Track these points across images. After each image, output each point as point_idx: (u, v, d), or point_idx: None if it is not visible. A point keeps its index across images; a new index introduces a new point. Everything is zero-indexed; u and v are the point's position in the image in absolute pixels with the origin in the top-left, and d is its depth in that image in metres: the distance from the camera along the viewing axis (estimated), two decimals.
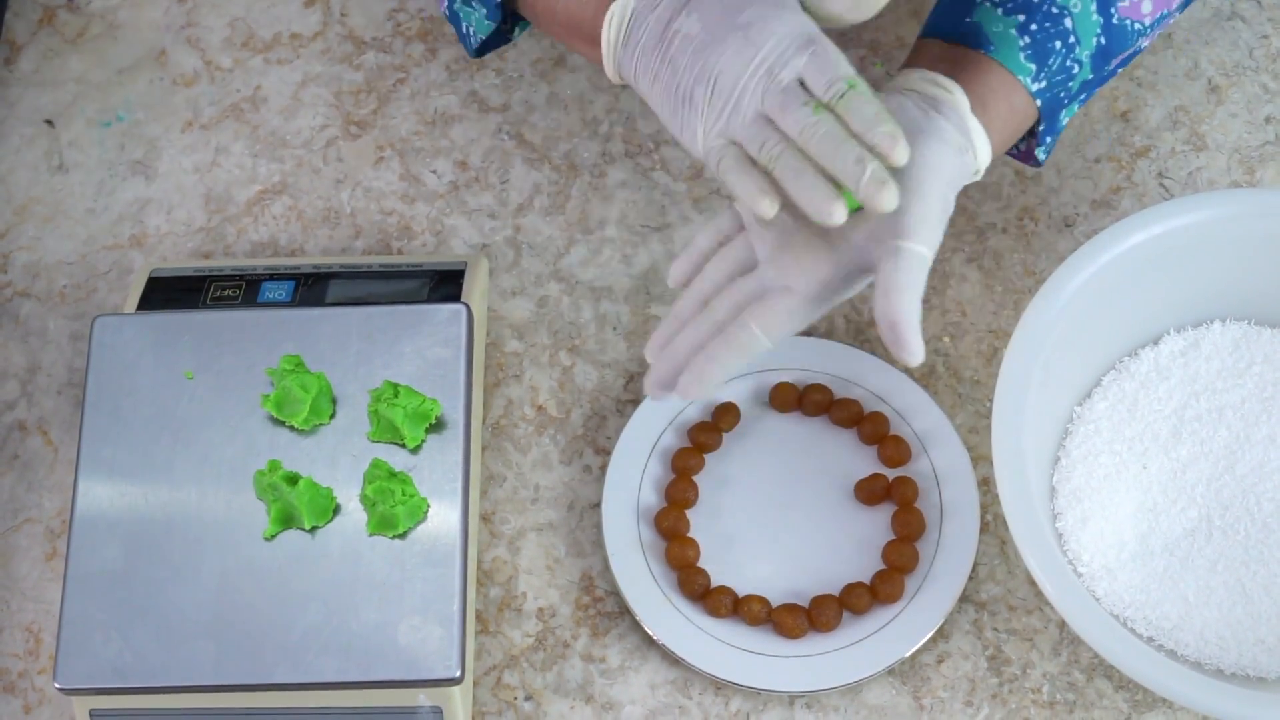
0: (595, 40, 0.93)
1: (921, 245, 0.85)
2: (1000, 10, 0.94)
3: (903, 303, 0.84)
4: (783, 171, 0.86)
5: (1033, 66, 0.93)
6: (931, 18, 0.98)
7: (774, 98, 0.86)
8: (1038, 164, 0.99)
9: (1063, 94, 0.95)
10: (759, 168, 0.86)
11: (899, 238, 0.85)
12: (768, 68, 0.87)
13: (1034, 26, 0.93)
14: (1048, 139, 0.98)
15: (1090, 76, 0.96)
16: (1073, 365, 1.01)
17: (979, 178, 0.93)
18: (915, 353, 0.84)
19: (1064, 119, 0.98)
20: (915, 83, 0.93)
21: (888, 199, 0.83)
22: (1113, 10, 0.94)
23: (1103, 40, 0.95)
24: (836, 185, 0.84)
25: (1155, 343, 1.04)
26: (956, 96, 0.91)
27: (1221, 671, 0.96)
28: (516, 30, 1.03)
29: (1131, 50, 0.97)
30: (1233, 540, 0.98)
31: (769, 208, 0.86)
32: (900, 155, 0.84)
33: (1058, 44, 0.94)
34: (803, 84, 0.86)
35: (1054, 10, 0.93)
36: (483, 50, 1.04)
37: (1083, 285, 0.97)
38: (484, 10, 0.99)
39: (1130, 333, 1.04)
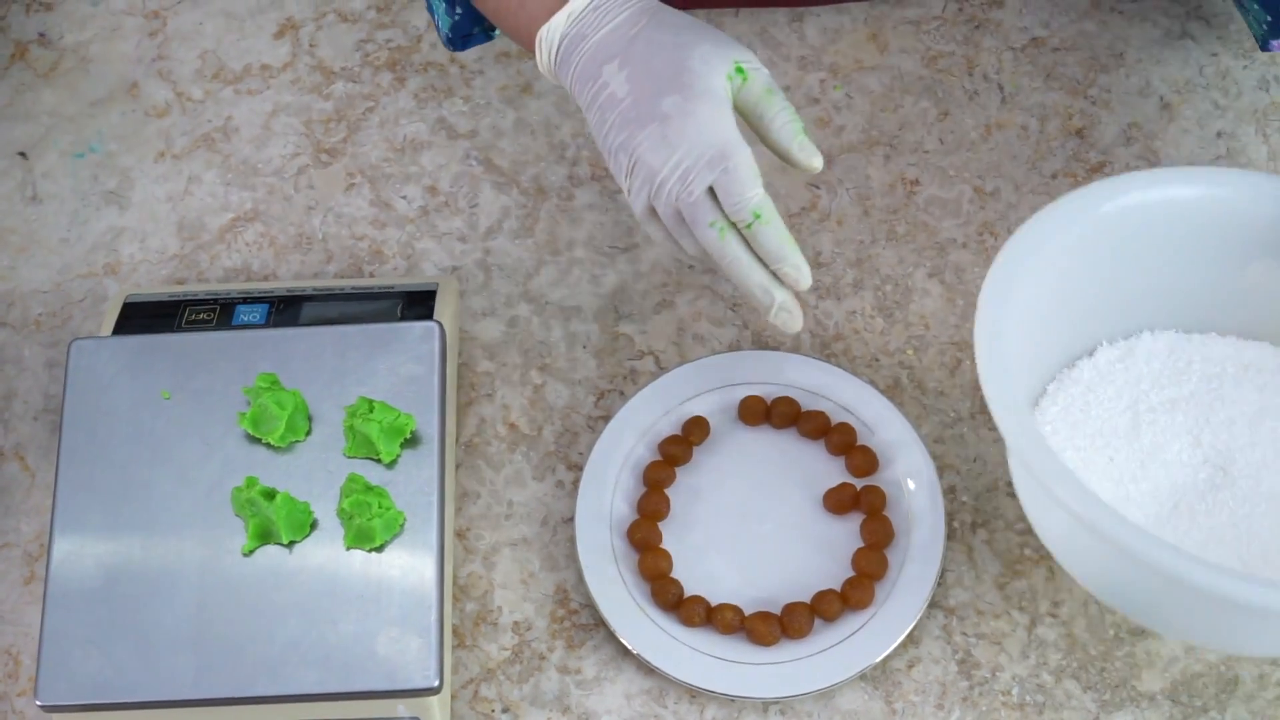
0: (532, 48, 0.96)
1: None
2: None
3: None
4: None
5: None
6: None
7: (686, 207, 0.92)
8: None
9: None
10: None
11: None
12: (681, 173, 0.90)
13: None
14: None
15: None
16: (1019, 371, 0.98)
17: None
18: None
19: None
20: None
21: (793, 326, 0.92)
22: None
23: None
24: None
25: (1090, 354, 1.04)
26: None
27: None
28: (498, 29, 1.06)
29: None
30: (1216, 520, 0.97)
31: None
32: (804, 284, 0.92)
33: None
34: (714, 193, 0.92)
35: None
36: (460, 43, 1.08)
37: (1025, 277, 0.96)
38: (443, 5, 1.05)
39: (1065, 345, 1.03)
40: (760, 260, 0.93)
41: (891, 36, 1.21)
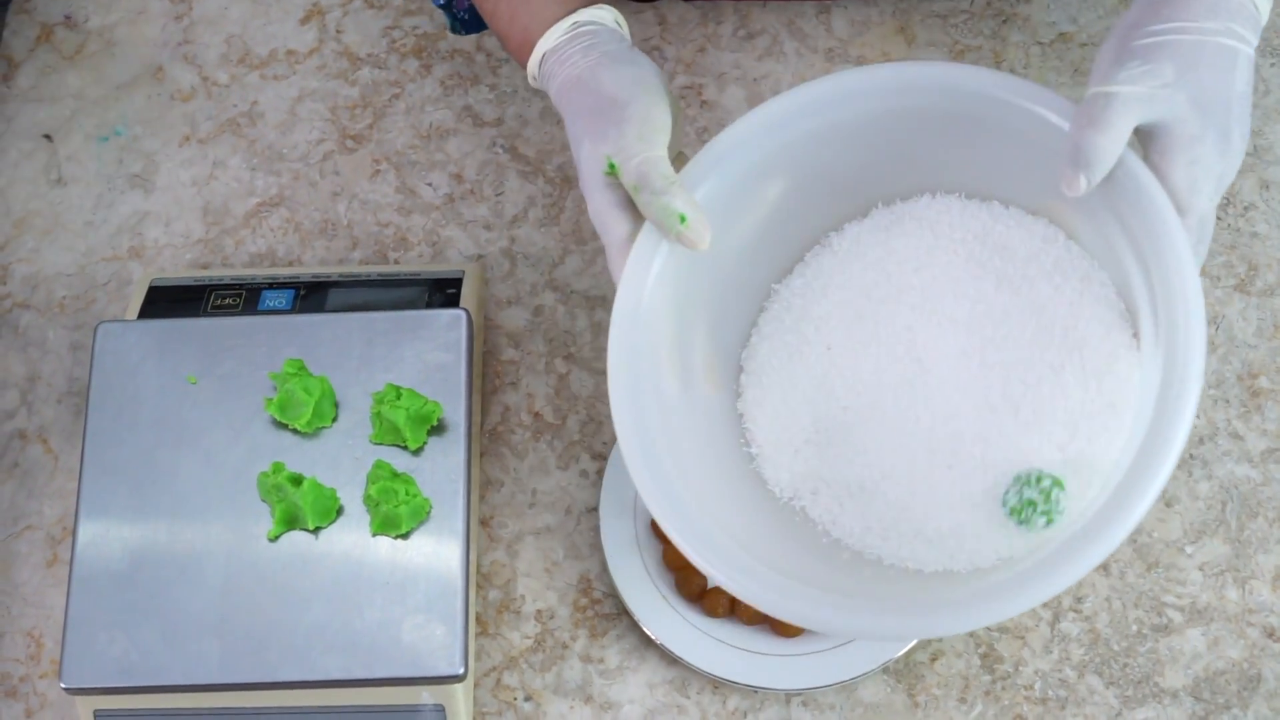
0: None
1: (1102, 86, 0.86)
2: None
3: (1072, 131, 0.87)
4: None
5: None
6: None
7: None
8: None
9: None
10: None
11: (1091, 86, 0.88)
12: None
13: None
14: None
15: None
16: (776, 244, 0.99)
17: (1262, 15, 0.89)
18: (1066, 183, 0.86)
19: None
20: None
21: None
22: None
23: None
24: None
25: (863, 216, 1.01)
26: None
27: (881, 561, 0.93)
28: None
29: None
30: (903, 426, 0.94)
31: None
32: None
33: None
34: None
35: None
36: (475, 26, 1.13)
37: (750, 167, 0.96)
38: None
39: (832, 206, 1.01)
40: None
41: (919, 30, 1.21)
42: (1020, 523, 0.89)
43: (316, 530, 0.98)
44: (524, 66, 0.98)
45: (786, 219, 0.99)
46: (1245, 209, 1.14)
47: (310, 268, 1.12)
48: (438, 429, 1.00)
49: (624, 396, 0.91)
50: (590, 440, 1.08)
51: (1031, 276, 0.95)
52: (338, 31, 1.22)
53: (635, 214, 0.92)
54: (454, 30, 1.14)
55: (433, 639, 0.95)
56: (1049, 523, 0.89)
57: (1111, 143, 0.85)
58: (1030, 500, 0.89)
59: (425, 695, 0.96)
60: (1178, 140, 0.86)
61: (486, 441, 1.08)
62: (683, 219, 0.90)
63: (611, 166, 0.91)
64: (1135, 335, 0.92)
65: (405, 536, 0.97)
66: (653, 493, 0.89)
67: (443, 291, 1.08)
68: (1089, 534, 0.83)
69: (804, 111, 0.96)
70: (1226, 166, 0.88)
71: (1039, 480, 0.89)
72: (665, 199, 0.90)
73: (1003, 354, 0.93)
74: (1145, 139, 0.87)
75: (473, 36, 1.21)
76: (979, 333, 0.94)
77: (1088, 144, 0.85)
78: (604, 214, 0.93)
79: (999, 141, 0.95)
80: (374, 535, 0.97)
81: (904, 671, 1.01)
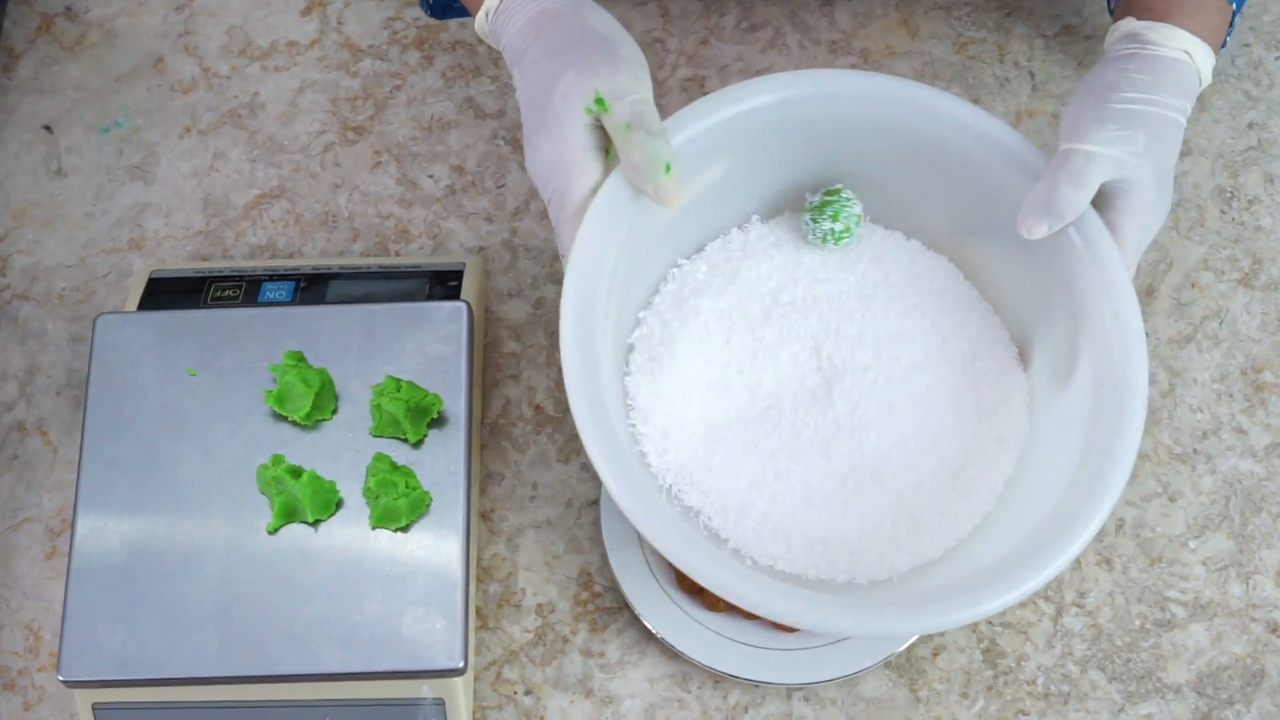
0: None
1: (1081, 144, 0.89)
2: None
3: (1038, 186, 0.90)
4: None
5: None
6: None
7: None
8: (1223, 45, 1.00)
9: None
10: None
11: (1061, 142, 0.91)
12: (545, 198, 0.91)
13: None
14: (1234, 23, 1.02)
15: None
16: (690, 225, 0.97)
17: (1204, 83, 0.95)
18: (1027, 226, 0.89)
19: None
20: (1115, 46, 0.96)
21: None
22: None
23: None
24: None
25: (771, 219, 1.01)
26: (1155, 31, 0.94)
27: (773, 569, 0.93)
28: None
29: None
30: (801, 433, 0.94)
31: None
32: None
33: None
34: None
35: None
36: (440, 11, 1.11)
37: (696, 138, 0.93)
38: None
39: (747, 202, 1.00)
40: None
41: (923, 22, 1.20)
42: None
43: (316, 523, 0.97)
44: (474, 10, 0.95)
45: (711, 202, 0.97)
46: (1249, 203, 1.13)
47: (311, 260, 1.12)
48: (438, 422, 1.00)
49: (573, 335, 0.87)
50: None
51: (936, 309, 0.99)
52: (339, 23, 1.22)
53: (603, 164, 0.89)
54: (424, 10, 1.13)
55: (432, 632, 0.94)
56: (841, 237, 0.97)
57: (1083, 198, 0.89)
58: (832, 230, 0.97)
59: (425, 689, 0.95)
60: (1137, 205, 0.91)
61: (487, 434, 1.08)
62: (668, 168, 0.87)
63: (600, 101, 0.87)
64: (1024, 371, 0.97)
65: (405, 529, 0.97)
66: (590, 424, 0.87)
67: (444, 284, 1.07)
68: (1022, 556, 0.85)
69: (775, 92, 0.94)
70: (1158, 231, 0.94)
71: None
72: (659, 142, 0.87)
73: (908, 375, 0.96)
74: (1103, 198, 0.91)
75: (473, 30, 1.21)
76: (885, 354, 0.97)
77: (1062, 196, 0.89)
78: (571, 158, 0.88)
79: (945, 165, 0.96)
80: (373, 528, 0.97)
81: (906, 666, 1.01)
